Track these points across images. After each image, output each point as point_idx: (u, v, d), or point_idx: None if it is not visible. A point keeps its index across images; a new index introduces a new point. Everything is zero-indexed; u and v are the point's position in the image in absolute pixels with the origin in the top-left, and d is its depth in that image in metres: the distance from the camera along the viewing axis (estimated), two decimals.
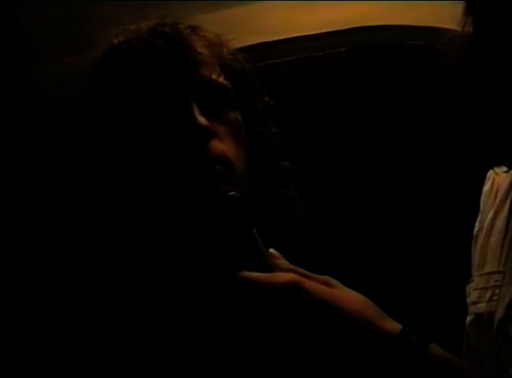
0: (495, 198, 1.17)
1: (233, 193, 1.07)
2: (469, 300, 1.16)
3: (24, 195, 1.52)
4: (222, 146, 1.16)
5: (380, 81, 1.86)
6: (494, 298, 1.11)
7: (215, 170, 1.13)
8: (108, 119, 1.19)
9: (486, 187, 1.21)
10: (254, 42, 1.76)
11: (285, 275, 1.02)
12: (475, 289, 1.15)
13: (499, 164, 1.16)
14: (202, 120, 1.14)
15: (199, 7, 1.75)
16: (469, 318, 1.15)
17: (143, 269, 1.17)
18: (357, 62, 1.85)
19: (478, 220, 1.20)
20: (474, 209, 1.22)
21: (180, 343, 1.15)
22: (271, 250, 1.08)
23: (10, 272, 1.43)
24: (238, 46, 1.35)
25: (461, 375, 1.00)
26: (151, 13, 1.61)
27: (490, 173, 1.20)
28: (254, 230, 1.05)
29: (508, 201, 1.15)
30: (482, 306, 1.12)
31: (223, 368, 1.13)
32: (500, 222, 1.14)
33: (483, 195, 1.21)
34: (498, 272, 1.12)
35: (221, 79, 1.20)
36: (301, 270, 1.06)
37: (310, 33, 1.83)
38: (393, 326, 1.02)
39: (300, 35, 1.84)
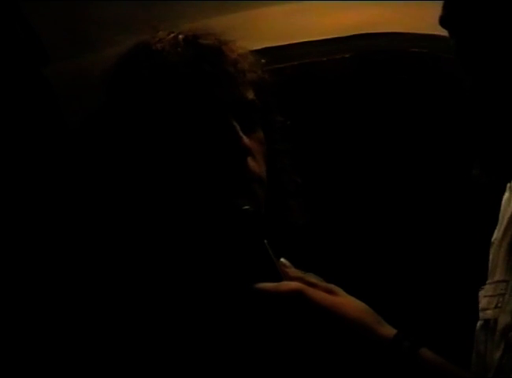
0: None
1: (247, 207, 1.13)
2: (479, 306, 1.20)
3: (33, 193, 1.53)
4: (256, 164, 1.19)
5: (383, 88, 1.87)
6: (499, 305, 1.14)
7: (252, 188, 1.17)
8: (142, 124, 1.19)
9: (505, 196, 1.23)
10: (258, 47, 1.77)
11: (290, 283, 1.09)
12: (485, 296, 1.19)
13: (503, 183, 1.20)
14: (245, 140, 1.17)
15: (204, 11, 1.76)
16: (478, 324, 1.19)
17: (156, 273, 1.19)
18: (360, 68, 1.87)
19: (497, 228, 1.23)
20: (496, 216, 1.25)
21: (187, 347, 1.17)
22: (282, 259, 1.15)
23: (10, 273, 1.44)
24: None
25: None
26: (161, 15, 1.63)
27: (510, 183, 1.22)
28: (266, 241, 1.11)
29: None
30: (490, 313, 1.16)
31: (229, 371, 1.17)
32: (510, 233, 1.18)
33: (502, 204, 1.24)
34: (504, 280, 1.15)
35: (255, 99, 1.23)
36: (308, 278, 1.14)
37: (314, 39, 1.85)
38: (388, 331, 1.10)
39: (304, 40, 1.85)
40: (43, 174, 1.53)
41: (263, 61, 1.34)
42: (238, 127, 1.18)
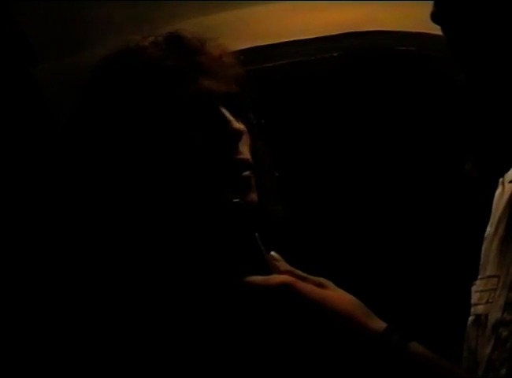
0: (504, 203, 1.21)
1: (237, 200, 1.13)
2: (471, 301, 1.20)
3: (23, 194, 1.53)
4: (246, 151, 1.20)
5: (371, 86, 1.88)
6: (490, 300, 1.15)
7: (244, 176, 1.17)
8: (131, 120, 1.19)
9: (497, 192, 1.24)
10: (247, 46, 1.77)
11: (279, 277, 1.09)
12: (476, 291, 1.20)
13: (495, 178, 1.21)
14: (237, 124, 1.18)
15: (193, 10, 1.77)
16: (470, 319, 1.19)
17: (146, 269, 1.19)
18: (349, 67, 1.88)
19: (489, 223, 1.24)
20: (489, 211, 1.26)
21: (180, 342, 1.17)
22: (272, 252, 1.14)
23: (9, 273, 1.44)
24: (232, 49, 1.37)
25: (439, 373, 1.06)
26: (149, 15, 1.63)
27: (502, 178, 1.23)
28: (256, 234, 1.11)
29: (507, 211, 1.18)
30: (481, 308, 1.16)
31: (219, 366, 1.17)
32: (501, 228, 1.18)
33: (494, 199, 1.24)
34: (495, 276, 1.15)
35: (237, 91, 1.23)
36: (298, 272, 1.13)
37: (303, 38, 1.85)
38: (378, 325, 1.09)
39: (293, 39, 1.86)
40: (31, 175, 1.53)
41: (252, 60, 1.35)
42: (227, 113, 1.18)
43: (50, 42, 1.68)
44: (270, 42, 1.85)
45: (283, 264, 1.13)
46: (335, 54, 1.87)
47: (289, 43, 1.86)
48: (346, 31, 1.85)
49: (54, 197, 1.35)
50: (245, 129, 1.19)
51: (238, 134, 1.18)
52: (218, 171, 1.17)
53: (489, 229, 1.23)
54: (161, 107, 1.18)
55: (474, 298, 1.19)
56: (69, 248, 1.25)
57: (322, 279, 1.12)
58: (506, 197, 1.20)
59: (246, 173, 1.17)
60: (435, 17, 1.08)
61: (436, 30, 1.10)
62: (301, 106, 1.89)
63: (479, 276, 1.21)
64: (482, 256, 1.23)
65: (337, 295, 1.10)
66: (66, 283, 1.24)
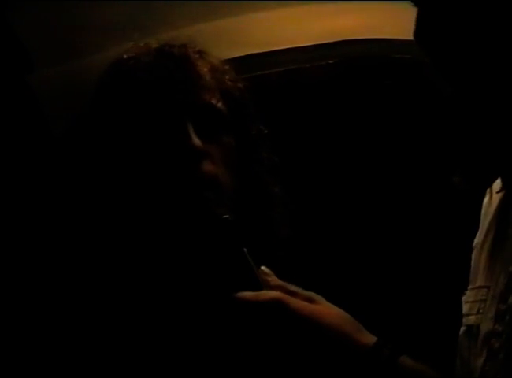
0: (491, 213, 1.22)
1: (227, 216, 1.13)
2: (463, 312, 1.21)
3: (20, 199, 1.53)
4: (213, 168, 1.19)
5: (367, 93, 1.89)
6: (480, 311, 1.15)
7: (205, 194, 1.17)
8: (109, 129, 1.22)
9: (485, 201, 1.25)
10: (243, 54, 1.78)
11: (270, 293, 1.10)
12: (466, 302, 1.20)
13: (483, 189, 1.21)
14: (196, 140, 1.18)
15: (191, 17, 1.77)
16: (462, 329, 1.20)
17: (138, 284, 1.19)
18: (344, 74, 1.88)
19: (478, 232, 1.25)
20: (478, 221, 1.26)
21: (172, 356, 1.18)
22: (262, 267, 1.15)
23: (8, 275, 1.44)
24: (228, 57, 1.38)
25: None
26: (146, 22, 1.64)
27: (490, 188, 1.23)
28: (246, 250, 1.11)
29: (495, 221, 1.19)
30: (472, 319, 1.16)
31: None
32: (490, 238, 1.19)
33: (483, 209, 1.25)
34: (485, 286, 1.16)
35: (219, 105, 1.24)
36: (288, 286, 1.14)
37: (299, 45, 1.86)
38: (368, 339, 1.10)
39: (289, 47, 1.86)
40: (26, 181, 1.53)
41: (248, 67, 1.35)
42: (191, 129, 1.19)
43: (47, 48, 1.67)
44: (266, 50, 1.85)
45: (273, 279, 1.13)
46: (331, 62, 1.87)
47: (284, 51, 1.86)
48: (341, 38, 1.85)
49: (46, 203, 1.35)
50: (202, 147, 1.18)
51: (195, 152, 1.17)
52: (179, 186, 1.17)
53: (478, 239, 1.24)
54: (132, 119, 1.20)
55: (465, 308, 1.20)
56: (65, 250, 1.26)
57: (312, 294, 1.13)
58: (493, 206, 1.20)
59: (206, 193, 1.17)
60: (416, 36, 1.10)
61: None
62: (296, 114, 1.90)
63: (469, 287, 1.21)
64: (472, 266, 1.23)
65: (327, 310, 1.11)
66: (62, 285, 1.24)
